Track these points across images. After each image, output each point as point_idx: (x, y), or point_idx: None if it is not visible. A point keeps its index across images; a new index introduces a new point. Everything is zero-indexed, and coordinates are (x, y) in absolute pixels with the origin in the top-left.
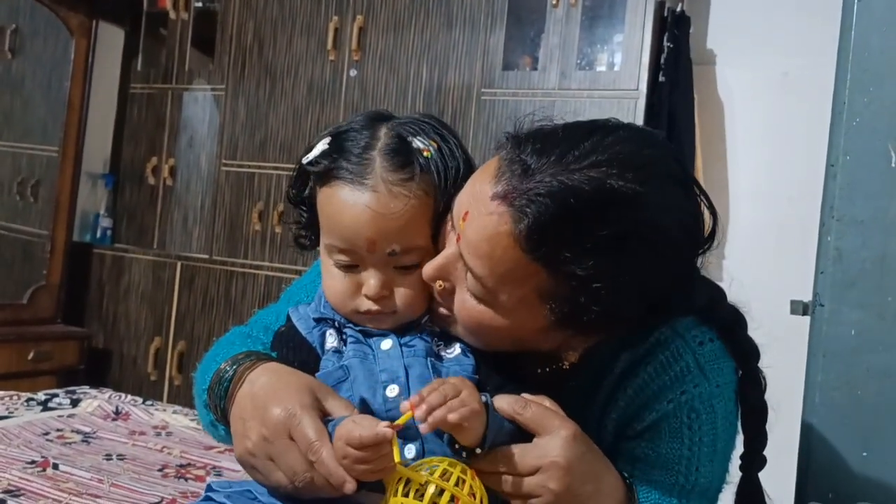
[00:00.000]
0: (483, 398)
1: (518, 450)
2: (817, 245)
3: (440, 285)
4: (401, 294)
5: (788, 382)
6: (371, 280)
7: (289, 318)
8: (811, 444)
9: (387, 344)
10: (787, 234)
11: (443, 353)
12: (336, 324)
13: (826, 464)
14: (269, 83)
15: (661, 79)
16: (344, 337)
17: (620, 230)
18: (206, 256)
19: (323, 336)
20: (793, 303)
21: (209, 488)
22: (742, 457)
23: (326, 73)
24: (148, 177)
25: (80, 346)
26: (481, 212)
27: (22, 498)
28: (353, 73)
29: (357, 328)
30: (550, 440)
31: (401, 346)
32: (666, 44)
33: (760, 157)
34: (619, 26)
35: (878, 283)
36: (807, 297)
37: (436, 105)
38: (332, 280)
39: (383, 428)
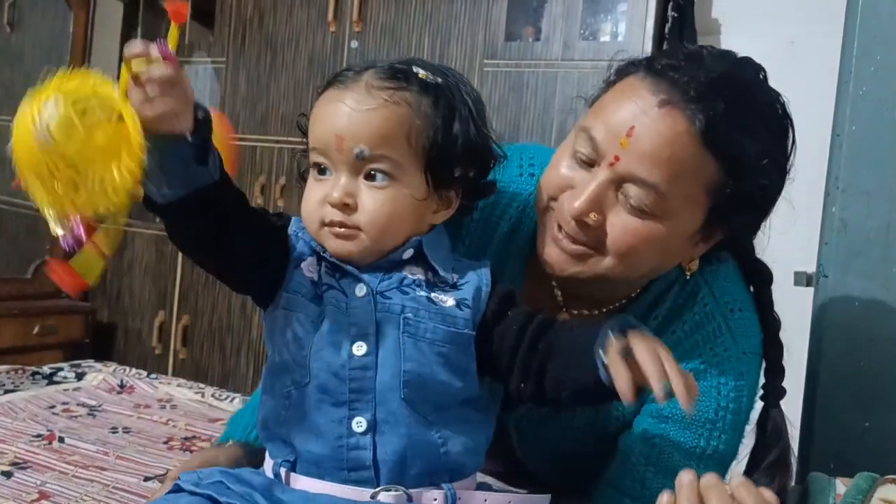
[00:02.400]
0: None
1: None
2: (822, 215)
3: (594, 217)
4: (367, 207)
5: (792, 353)
6: (338, 183)
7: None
8: (814, 414)
9: (360, 290)
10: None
11: (434, 301)
12: (315, 252)
13: (829, 434)
14: (270, 55)
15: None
16: (320, 270)
17: (764, 111)
18: None
19: (301, 256)
20: (797, 274)
21: (177, 486)
22: (764, 387)
23: (328, 44)
24: None
25: (85, 320)
26: (649, 122)
27: (28, 470)
28: (354, 44)
29: (331, 259)
30: None
31: (374, 294)
32: (670, 13)
33: None
34: None
35: (882, 253)
36: (811, 268)
37: None
38: (307, 192)
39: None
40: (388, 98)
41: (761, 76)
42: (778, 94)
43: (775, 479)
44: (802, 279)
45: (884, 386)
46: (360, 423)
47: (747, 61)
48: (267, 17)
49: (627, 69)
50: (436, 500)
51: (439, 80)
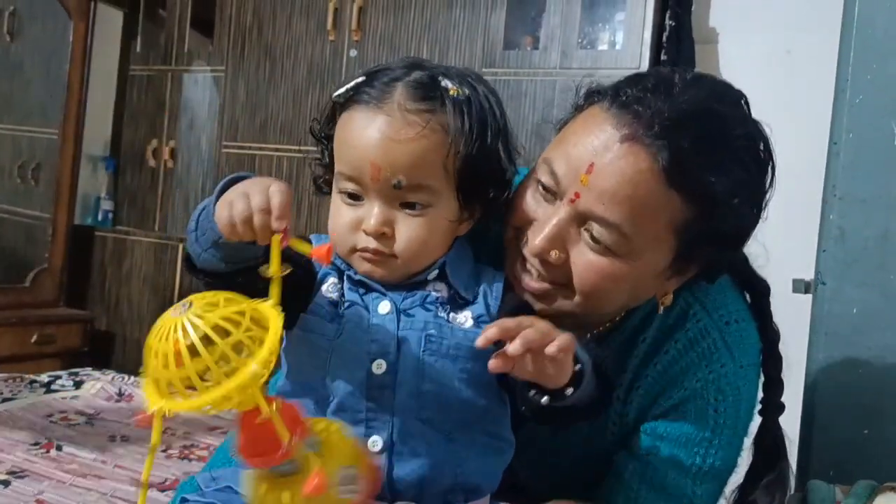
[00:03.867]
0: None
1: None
2: (819, 223)
3: (555, 255)
4: (403, 236)
5: (790, 360)
6: (372, 212)
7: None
8: (813, 423)
9: (384, 307)
10: (790, 213)
11: (452, 322)
12: (338, 270)
13: (827, 442)
14: (269, 64)
15: (664, 57)
16: (342, 288)
17: (737, 146)
18: None
19: (324, 278)
20: (795, 281)
21: (183, 498)
22: (762, 402)
23: (326, 53)
24: (148, 159)
25: (83, 328)
26: (611, 158)
27: (26, 479)
28: (353, 53)
29: (356, 277)
30: None
31: (398, 312)
32: (668, 22)
33: None
34: (621, 4)
35: (880, 261)
36: (809, 275)
37: None
38: (336, 213)
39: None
40: (425, 124)
41: (742, 105)
42: (757, 126)
43: (774, 497)
44: (801, 286)
45: (883, 393)
46: (375, 443)
47: (725, 90)
48: (266, 26)
49: (593, 97)
50: None
51: (467, 91)
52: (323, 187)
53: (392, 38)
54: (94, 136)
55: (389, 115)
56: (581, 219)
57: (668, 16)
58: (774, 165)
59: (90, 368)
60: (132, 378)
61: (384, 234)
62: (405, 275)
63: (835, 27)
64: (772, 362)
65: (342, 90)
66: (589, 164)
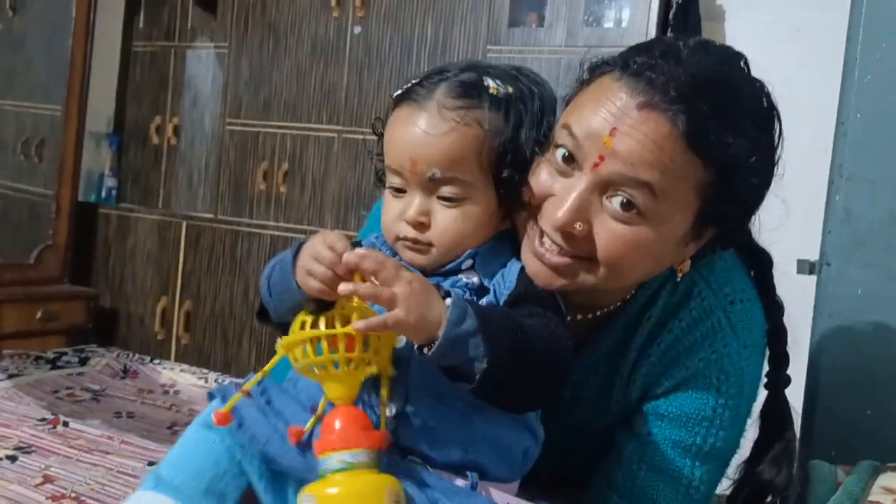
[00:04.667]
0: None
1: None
2: (825, 204)
3: (579, 227)
4: (438, 226)
5: (794, 341)
6: (412, 202)
7: (358, 243)
8: (816, 403)
9: None
10: (796, 193)
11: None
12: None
13: (830, 422)
14: (273, 41)
15: (670, 35)
16: None
17: (747, 107)
18: (211, 216)
19: None
20: (799, 262)
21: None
22: (767, 375)
23: (330, 30)
24: (152, 136)
25: (88, 305)
26: (632, 124)
27: (33, 454)
28: (357, 30)
29: (401, 262)
30: None
31: None
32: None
33: None
34: None
35: (886, 243)
36: (814, 256)
37: (441, 63)
38: (385, 205)
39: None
40: (460, 120)
41: (743, 66)
42: (762, 85)
43: (781, 470)
44: (805, 267)
45: (886, 374)
46: (389, 409)
47: (728, 53)
48: (269, 3)
49: (601, 68)
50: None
51: (510, 89)
52: (383, 179)
53: (396, 15)
54: (97, 112)
55: (428, 111)
56: (603, 186)
57: None
58: (780, 119)
59: (95, 345)
60: (137, 355)
61: (421, 224)
62: (441, 262)
63: (844, 5)
64: (777, 336)
65: (401, 90)
66: (612, 129)
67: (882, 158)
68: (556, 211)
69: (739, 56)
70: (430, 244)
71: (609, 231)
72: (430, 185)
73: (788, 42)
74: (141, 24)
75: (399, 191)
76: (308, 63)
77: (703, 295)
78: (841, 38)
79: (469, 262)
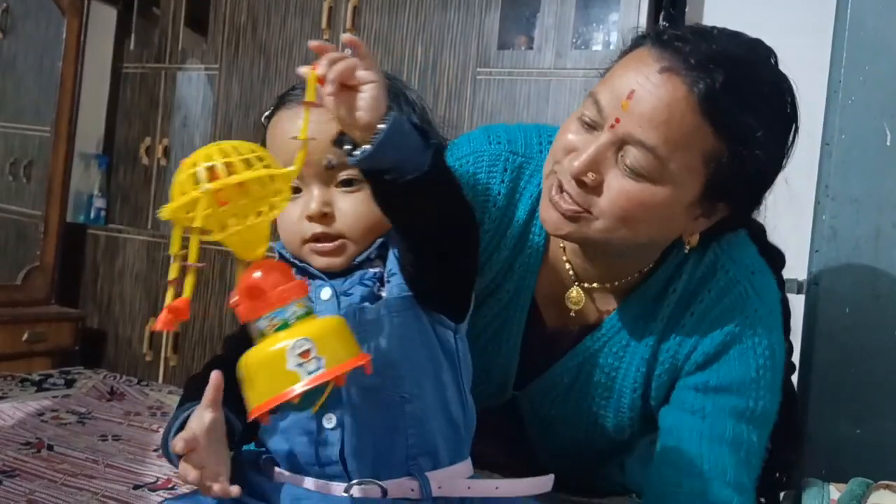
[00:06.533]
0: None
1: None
2: (812, 223)
3: (592, 177)
4: (344, 214)
5: None
6: (312, 196)
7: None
8: (806, 420)
9: (326, 293)
10: (783, 213)
11: (382, 293)
12: (321, 277)
13: (821, 440)
14: (263, 63)
15: None
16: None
17: (766, 90)
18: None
19: (318, 290)
20: (787, 281)
21: None
22: None
23: None
24: (142, 157)
25: (75, 327)
26: (650, 87)
27: (17, 478)
28: (347, 52)
29: (300, 265)
30: None
31: (338, 296)
32: (661, 23)
33: None
34: (615, 5)
35: (872, 261)
36: (802, 275)
37: (431, 85)
38: (281, 215)
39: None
40: None
41: (771, 59)
42: (785, 77)
43: (789, 452)
44: (794, 286)
45: (875, 392)
46: (329, 419)
47: (758, 43)
48: (260, 25)
49: (639, 41)
50: (412, 490)
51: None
52: None
53: (387, 37)
54: (86, 133)
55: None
56: (620, 143)
57: (661, 16)
58: (797, 121)
59: (82, 367)
60: (124, 377)
61: (326, 215)
62: (356, 256)
63: (827, 29)
64: (786, 314)
65: (268, 112)
66: (630, 91)
67: (866, 178)
68: (575, 161)
69: (769, 50)
70: (340, 236)
71: (618, 185)
72: (327, 175)
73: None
74: (131, 46)
75: (294, 192)
76: (299, 85)
77: (726, 267)
78: (824, 61)
79: (375, 253)
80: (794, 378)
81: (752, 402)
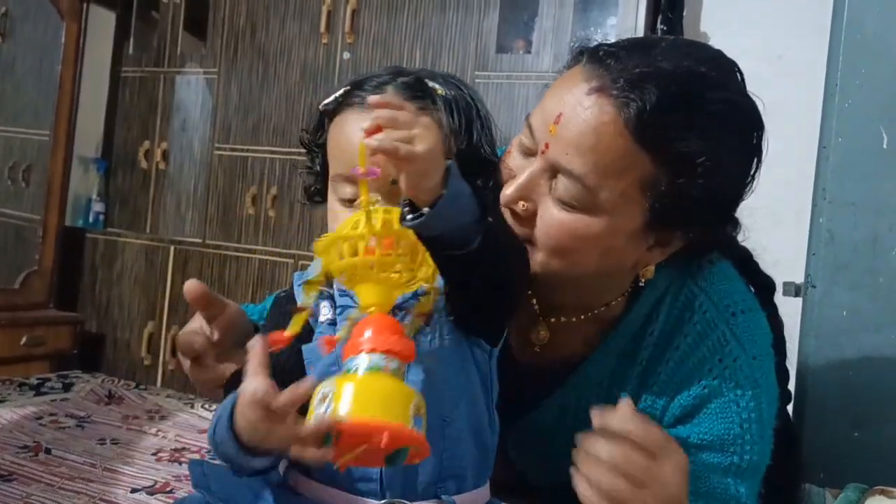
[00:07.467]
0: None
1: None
2: (809, 227)
3: (522, 206)
4: None
5: None
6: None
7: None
8: (803, 425)
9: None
10: (780, 216)
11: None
12: (327, 294)
13: (818, 445)
14: (262, 66)
15: None
16: (335, 301)
17: (715, 110)
18: (199, 240)
19: (317, 307)
20: (785, 284)
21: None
22: None
23: (319, 55)
24: (140, 161)
25: (73, 330)
26: (578, 110)
27: (14, 482)
28: (346, 55)
29: (345, 293)
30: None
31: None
32: (659, 27)
33: None
34: (613, 9)
35: (869, 264)
36: (799, 278)
37: None
38: (335, 220)
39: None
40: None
41: (731, 72)
42: (744, 93)
43: (786, 480)
44: (791, 290)
45: (873, 396)
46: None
47: (713, 56)
48: (259, 29)
49: (577, 58)
50: None
51: (452, 92)
52: (315, 196)
53: (385, 40)
54: (85, 137)
55: None
56: (552, 171)
57: (659, 20)
58: (760, 140)
59: (80, 371)
60: (122, 381)
61: None
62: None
63: (825, 32)
64: (778, 351)
65: (330, 99)
66: (558, 115)
67: (863, 181)
68: (507, 188)
69: (727, 63)
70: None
71: (549, 216)
72: (393, 190)
73: (771, 69)
74: (130, 50)
75: (352, 202)
76: (297, 88)
77: (704, 307)
78: (822, 64)
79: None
80: (793, 385)
81: (738, 458)
